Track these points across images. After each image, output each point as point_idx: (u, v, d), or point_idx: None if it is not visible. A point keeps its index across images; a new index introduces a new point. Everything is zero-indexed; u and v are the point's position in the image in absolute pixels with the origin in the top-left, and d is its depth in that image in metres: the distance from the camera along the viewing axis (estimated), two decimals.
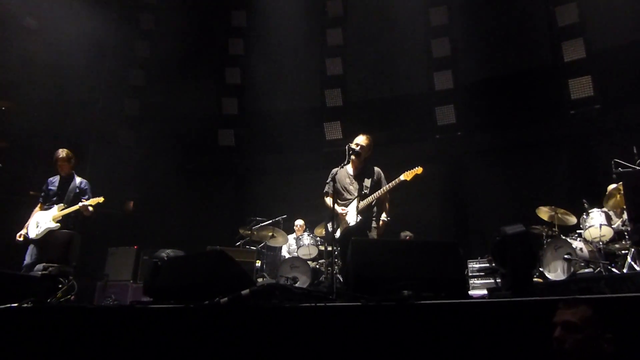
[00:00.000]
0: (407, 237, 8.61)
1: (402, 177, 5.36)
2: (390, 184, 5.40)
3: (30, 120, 10.68)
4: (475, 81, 10.58)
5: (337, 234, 5.48)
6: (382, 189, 5.41)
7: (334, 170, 5.48)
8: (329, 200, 5.36)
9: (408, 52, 11.06)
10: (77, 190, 6.35)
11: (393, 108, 11.16)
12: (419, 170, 5.38)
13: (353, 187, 5.52)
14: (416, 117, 10.87)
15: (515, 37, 10.31)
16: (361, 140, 5.57)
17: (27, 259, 6.01)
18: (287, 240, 8.84)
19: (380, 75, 11.43)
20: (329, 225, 5.46)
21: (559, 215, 7.28)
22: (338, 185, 5.53)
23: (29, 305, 3.69)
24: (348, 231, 5.33)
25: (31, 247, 6.11)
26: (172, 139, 11.75)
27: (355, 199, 5.42)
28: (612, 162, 6.33)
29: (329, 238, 6.37)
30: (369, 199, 5.38)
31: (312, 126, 11.38)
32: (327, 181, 5.47)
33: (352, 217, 5.35)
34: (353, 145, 5.46)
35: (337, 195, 5.49)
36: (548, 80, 9.79)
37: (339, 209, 5.37)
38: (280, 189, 11.31)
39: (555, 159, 9.72)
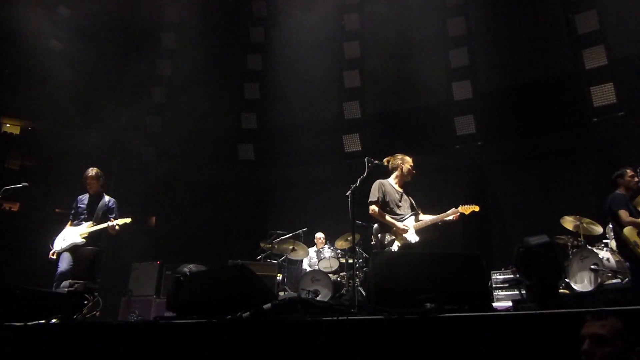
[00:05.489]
0: None
1: (460, 210, 5.33)
2: (446, 213, 5.33)
3: (56, 139, 10.97)
4: (495, 90, 10.51)
5: (394, 247, 5.30)
6: (439, 216, 5.34)
7: (381, 181, 5.41)
8: (379, 211, 5.23)
9: (426, 62, 11.03)
10: (106, 208, 6.47)
11: (412, 119, 11.13)
12: (476, 207, 5.38)
13: (403, 204, 5.45)
14: (435, 127, 10.80)
15: (534, 46, 10.22)
16: (399, 158, 5.61)
17: (61, 266, 6.03)
18: (308, 253, 8.82)
19: (399, 86, 11.40)
20: (356, 236, 5.33)
21: (585, 225, 7.13)
22: (389, 199, 5.40)
23: (57, 322, 3.76)
24: (410, 247, 5.21)
25: (64, 254, 6.17)
26: (192, 155, 11.91)
27: (412, 216, 5.34)
28: (638, 170, 6.20)
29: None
30: (427, 221, 5.31)
31: (330, 139, 11.40)
32: (376, 193, 5.29)
33: (412, 234, 5.26)
34: (398, 161, 5.51)
35: (385, 208, 5.35)
36: (569, 88, 9.67)
37: (399, 223, 5.26)
38: (300, 202, 11.32)
39: (579, 167, 9.54)
